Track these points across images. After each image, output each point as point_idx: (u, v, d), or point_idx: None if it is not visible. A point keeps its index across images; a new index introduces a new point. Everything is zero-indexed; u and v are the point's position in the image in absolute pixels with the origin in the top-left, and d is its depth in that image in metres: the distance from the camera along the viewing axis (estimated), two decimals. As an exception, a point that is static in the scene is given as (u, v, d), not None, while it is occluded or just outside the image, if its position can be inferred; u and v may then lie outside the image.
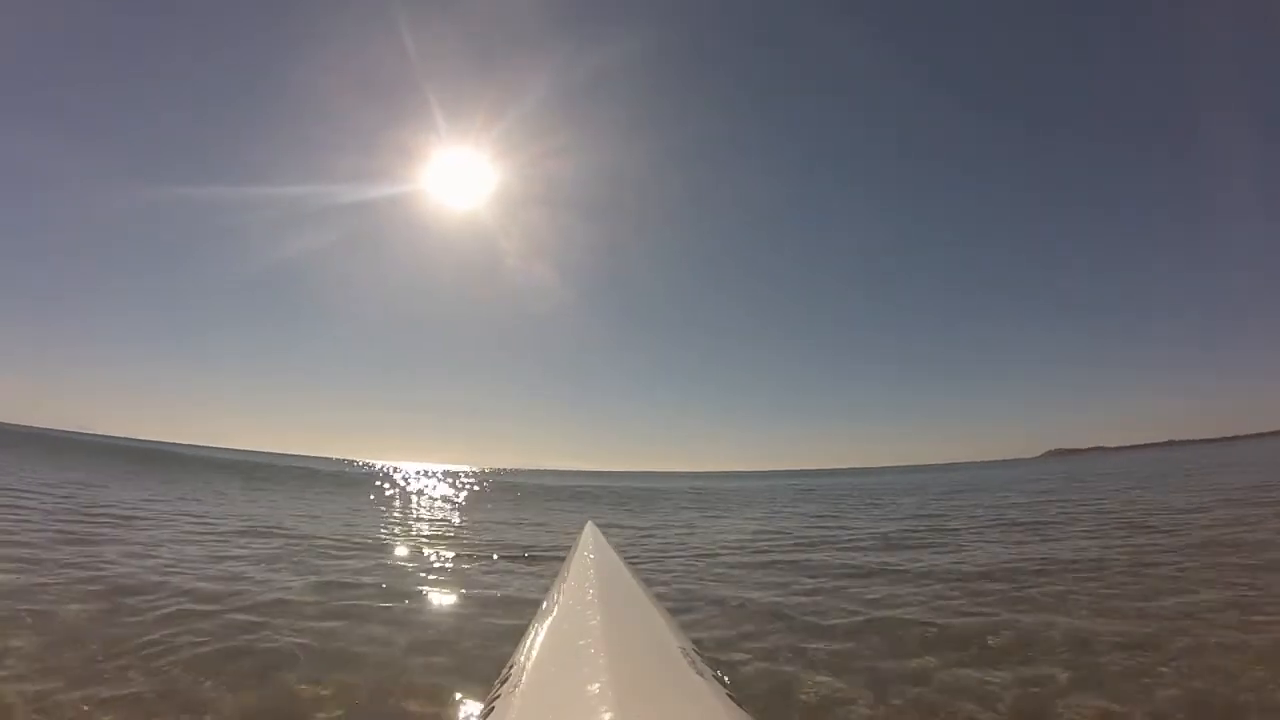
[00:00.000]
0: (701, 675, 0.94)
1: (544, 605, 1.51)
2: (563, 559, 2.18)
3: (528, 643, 1.21)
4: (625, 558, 2.13)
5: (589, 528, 2.64)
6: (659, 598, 1.55)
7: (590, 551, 2.07)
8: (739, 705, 0.87)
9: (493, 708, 0.93)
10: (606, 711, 0.74)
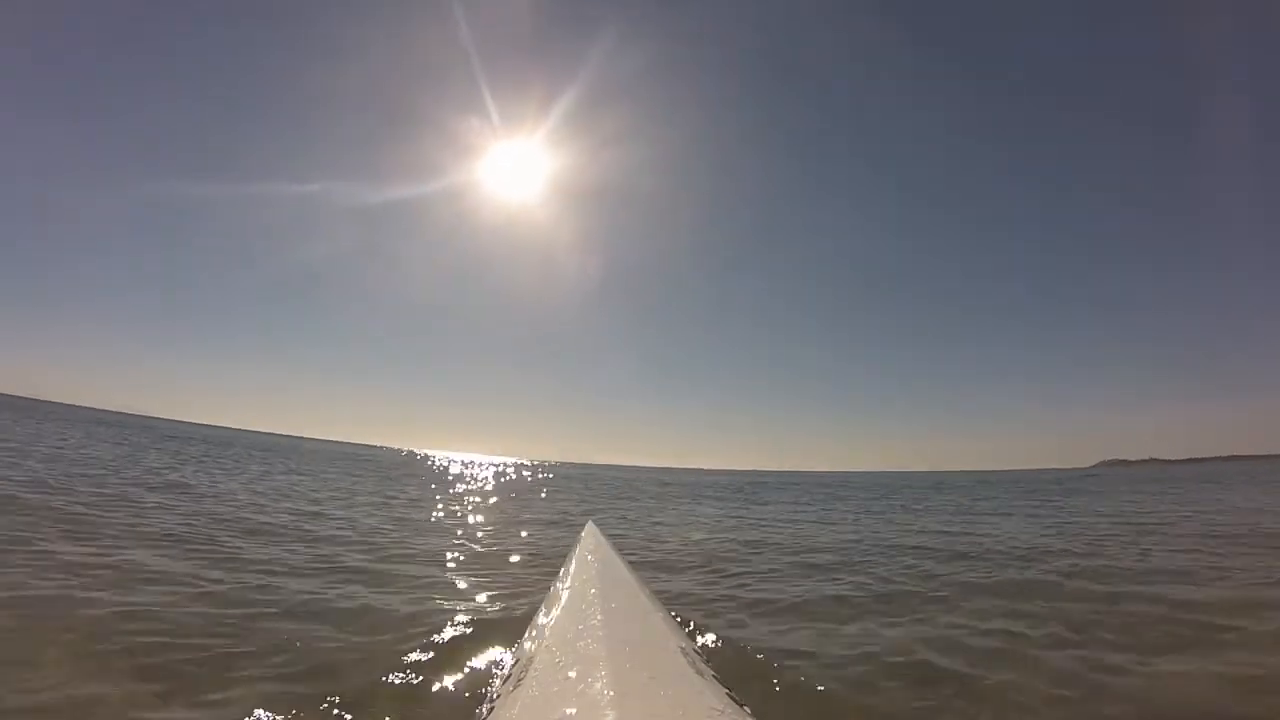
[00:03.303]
0: (701, 674, 0.94)
1: (545, 604, 1.52)
2: (564, 557, 2.19)
3: (529, 641, 1.22)
4: (625, 556, 2.14)
5: (589, 527, 2.65)
6: (659, 597, 1.56)
7: (591, 550, 2.08)
8: (739, 705, 0.88)
9: (493, 706, 0.94)
10: (607, 710, 0.75)
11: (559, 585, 1.66)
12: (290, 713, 2.70)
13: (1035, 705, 2.61)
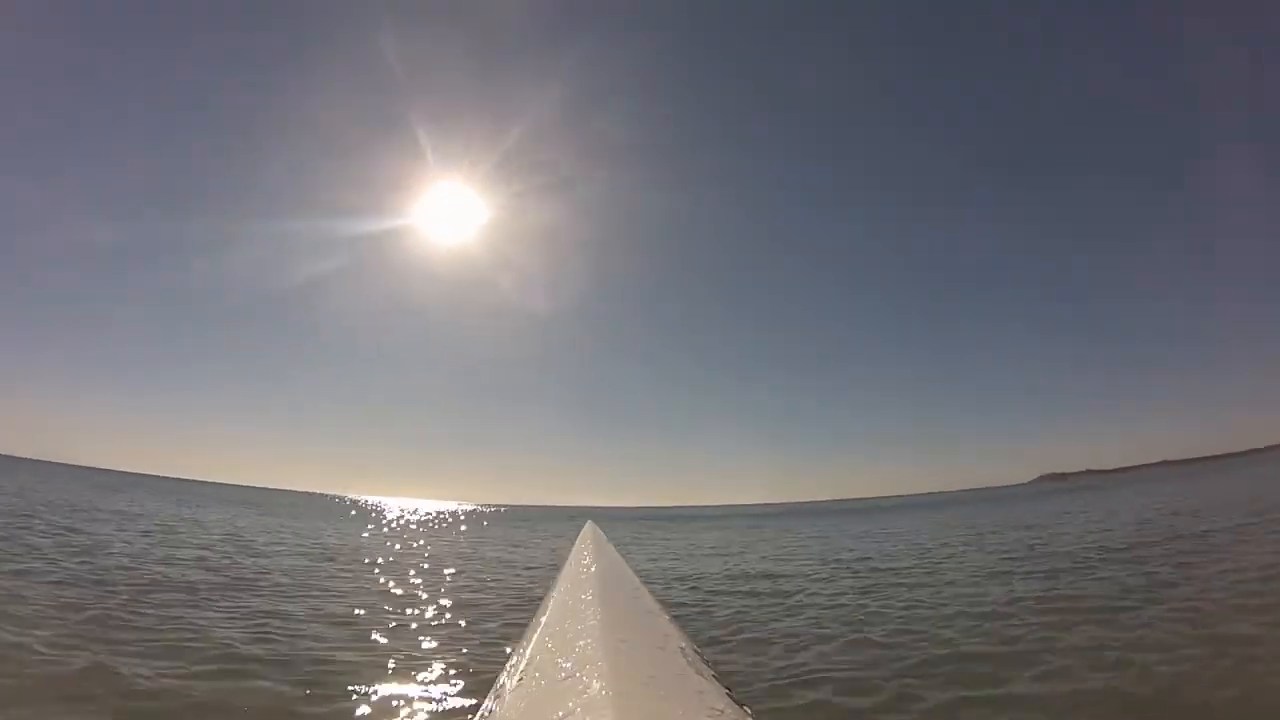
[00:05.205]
0: (701, 675, 0.94)
1: (544, 604, 1.52)
2: (564, 559, 2.18)
3: (528, 642, 1.21)
4: (625, 557, 2.13)
5: (589, 527, 2.65)
6: (658, 597, 1.55)
7: (590, 551, 2.08)
8: (739, 705, 0.87)
9: (493, 707, 0.93)
10: (606, 710, 0.74)
11: (558, 585, 1.66)
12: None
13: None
